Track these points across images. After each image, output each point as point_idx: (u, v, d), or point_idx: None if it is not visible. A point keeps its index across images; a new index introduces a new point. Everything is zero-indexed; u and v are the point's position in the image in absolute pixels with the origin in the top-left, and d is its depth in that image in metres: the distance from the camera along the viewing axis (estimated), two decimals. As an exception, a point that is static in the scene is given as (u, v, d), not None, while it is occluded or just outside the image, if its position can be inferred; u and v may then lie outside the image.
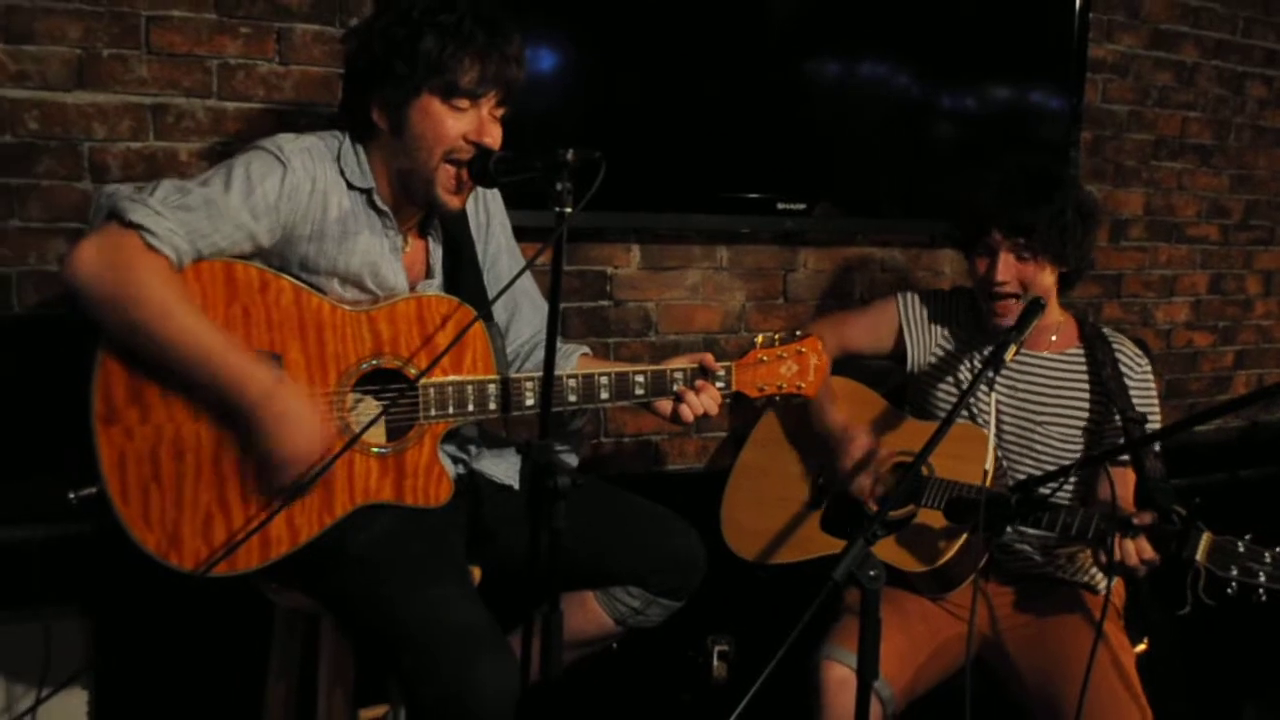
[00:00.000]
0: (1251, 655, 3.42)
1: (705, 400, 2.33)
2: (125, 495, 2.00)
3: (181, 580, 2.05)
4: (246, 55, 2.83)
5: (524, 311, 2.50)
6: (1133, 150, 4.29)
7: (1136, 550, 2.31)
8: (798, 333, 2.45)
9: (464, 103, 2.14)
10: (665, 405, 2.35)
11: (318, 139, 2.19)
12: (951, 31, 3.66)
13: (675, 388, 2.32)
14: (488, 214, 2.46)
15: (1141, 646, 2.87)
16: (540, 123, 2.90)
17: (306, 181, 2.12)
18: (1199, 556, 2.26)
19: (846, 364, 2.89)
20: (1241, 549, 2.23)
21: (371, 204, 2.21)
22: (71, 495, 2.00)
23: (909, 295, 2.87)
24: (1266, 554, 2.22)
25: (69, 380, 2.03)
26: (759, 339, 2.41)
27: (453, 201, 2.21)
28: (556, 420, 2.46)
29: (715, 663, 3.25)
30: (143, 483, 2.00)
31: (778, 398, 2.43)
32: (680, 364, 2.34)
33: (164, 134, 2.77)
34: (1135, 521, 2.33)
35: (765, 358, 2.40)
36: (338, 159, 2.19)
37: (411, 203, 2.25)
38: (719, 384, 2.36)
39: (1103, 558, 2.36)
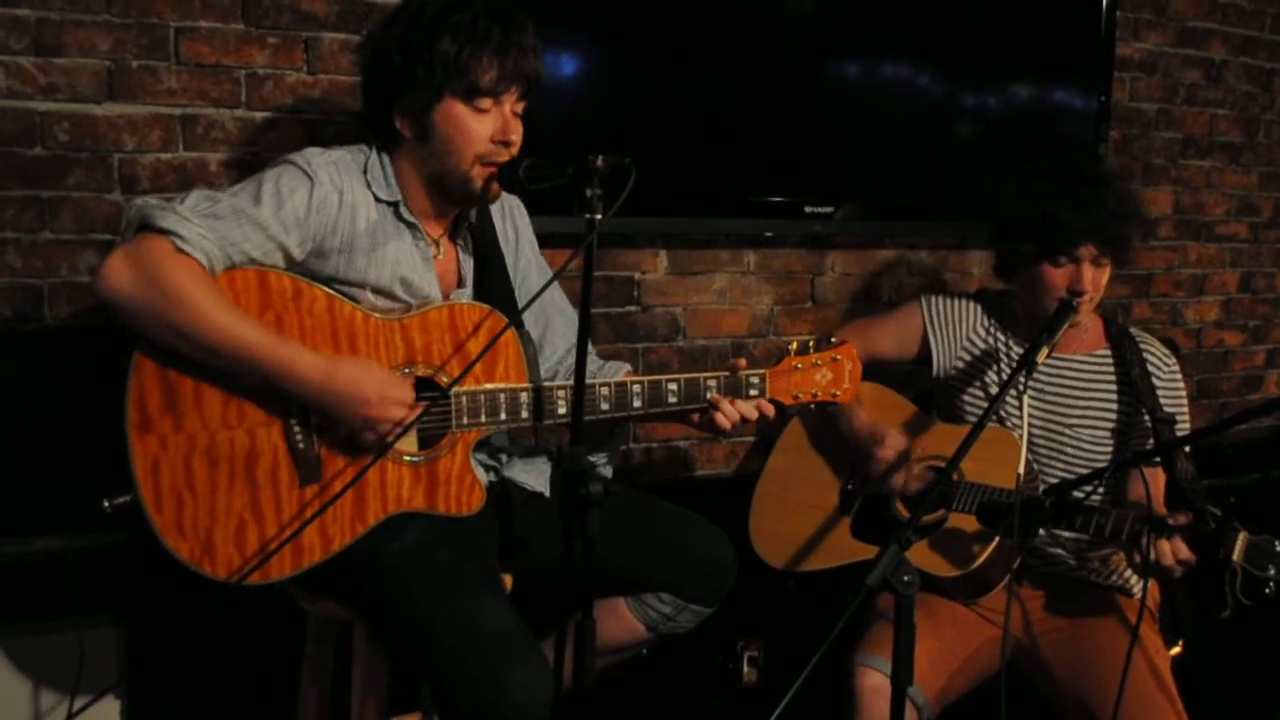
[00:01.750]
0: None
1: (743, 406, 2.32)
2: (159, 503, 2.01)
3: (214, 588, 2.06)
4: (274, 65, 2.84)
5: (556, 324, 2.49)
6: (1161, 148, 4.26)
7: (1173, 551, 2.29)
8: (832, 339, 2.43)
9: (486, 102, 2.14)
10: (698, 414, 2.34)
11: (345, 152, 2.20)
12: (977, 31, 3.65)
13: (709, 395, 2.31)
14: (516, 230, 2.47)
15: (1176, 649, 2.85)
16: (565, 128, 2.91)
17: (334, 194, 2.13)
18: (1235, 556, 2.24)
19: (873, 370, 2.87)
20: (1278, 548, 2.21)
21: (399, 216, 2.22)
22: (106, 503, 2.01)
23: (933, 299, 2.85)
24: None
25: (102, 390, 2.05)
26: (793, 346, 2.39)
27: (493, 191, 2.21)
28: (594, 433, 2.45)
29: (745, 668, 3.25)
30: (176, 490, 2.01)
31: (813, 405, 2.42)
32: (714, 374, 2.33)
33: (193, 144, 2.78)
34: (1171, 522, 2.31)
35: (800, 365, 2.38)
36: (364, 172, 2.20)
37: (448, 202, 2.25)
38: (753, 392, 2.35)
39: (1137, 558, 2.34)
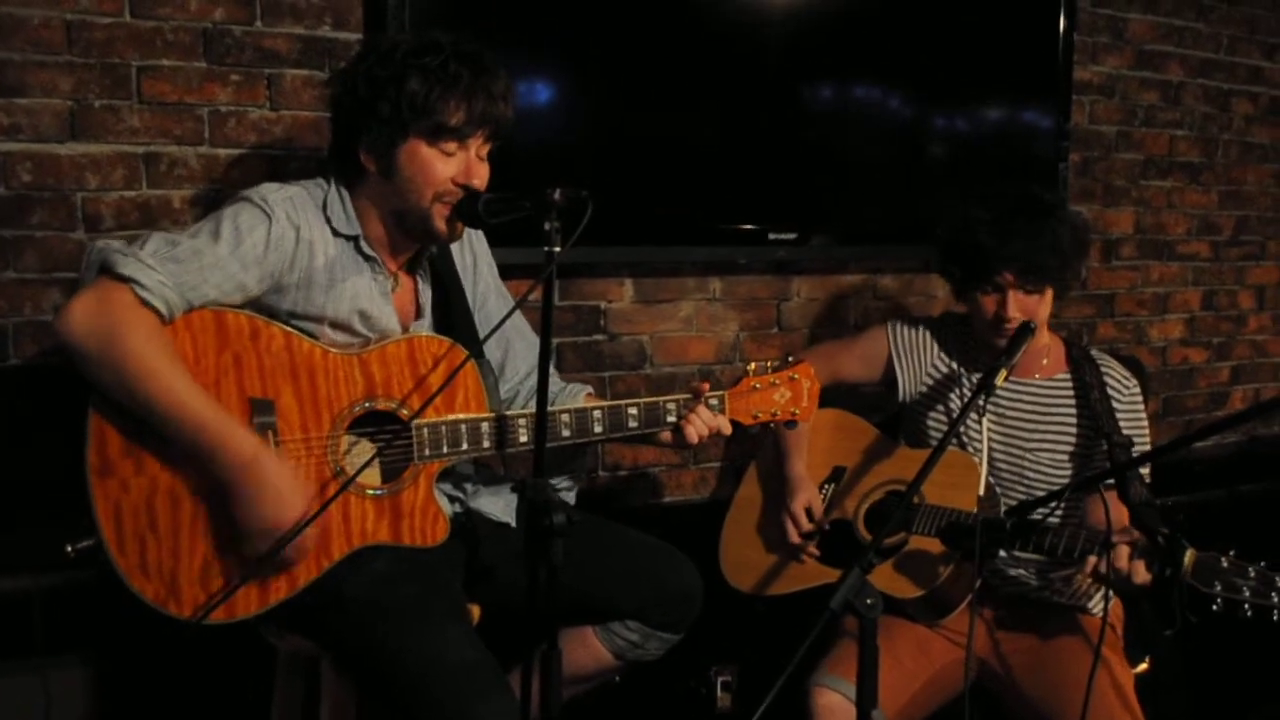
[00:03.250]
0: (1256, 671, 3.41)
1: (706, 414, 2.32)
2: (122, 546, 2.00)
3: (181, 628, 2.05)
4: (237, 102, 2.85)
5: (517, 349, 2.51)
6: (1121, 170, 4.31)
7: (1130, 568, 2.30)
8: (790, 359, 2.45)
9: (451, 145, 2.16)
10: (666, 434, 2.35)
11: (301, 188, 2.21)
12: (938, 59, 3.69)
13: (669, 418, 2.32)
14: (474, 255, 2.48)
15: (1143, 666, 2.86)
16: (532, 158, 2.93)
17: (291, 231, 2.13)
18: (1183, 573, 2.25)
19: (840, 393, 2.90)
20: (1225, 565, 2.22)
21: (359, 249, 2.23)
22: (69, 548, 2.01)
23: (898, 325, 2.87)
24: (1250, 570, 2.21)
25: (65, 431, 2.04)
26: (751, 366, 2.41)
27: (453, 230, 2.22)
28: (556, 457, 2.47)
29: (719, 693, 3.24)
30: (139, 533, 2.01)
31: (773, 424, 2.44)
32: (673, 398, 2.35)
33: (157, 182, 2.79)
34: (1115, 539, 2.33)
35: (758, 385, 2.40)
36: (323, 207, 2.20)
37: (408, 238, 2.26)
38: None
39: (1100, 572, 2.35)
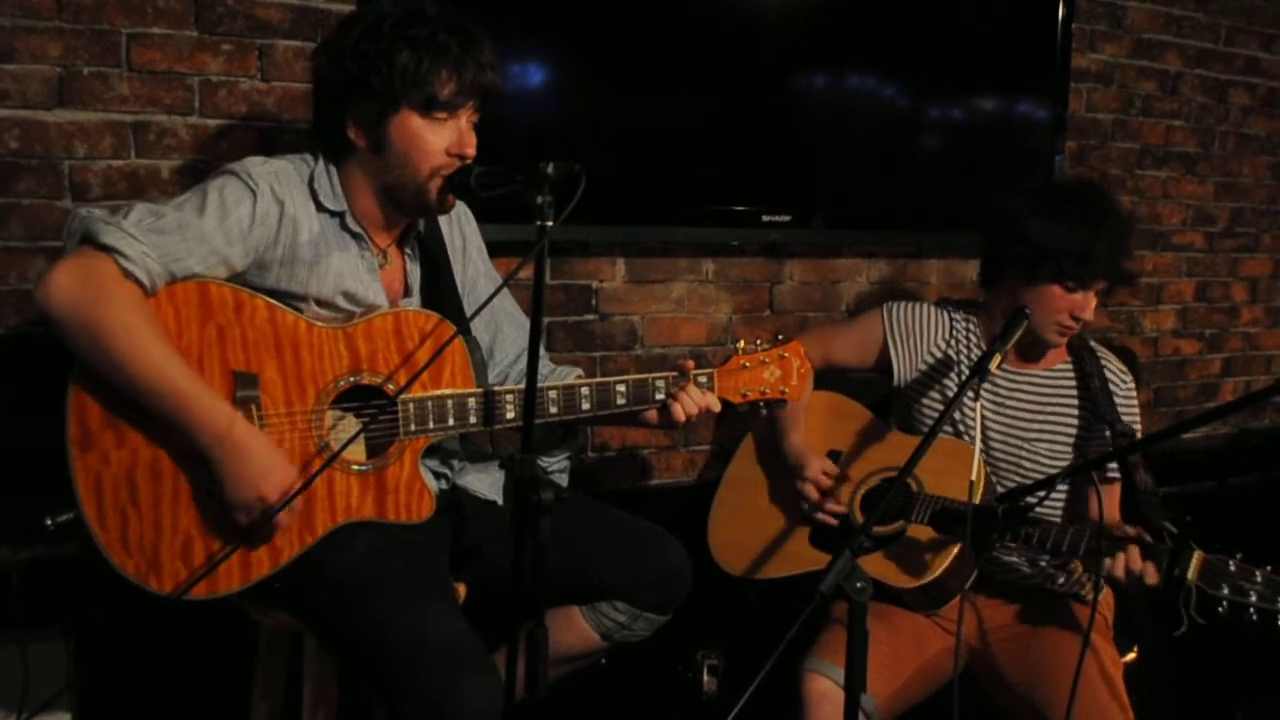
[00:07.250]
0: (1243, 664, 3.41)
1: (695, 393, 2.31)
2: (102, 520, 1.98)
3: (163, 602, 2.03)
4: (228, 72, 2.82)
5: (506, 331, 2.49)
6: (1117, 159, 4.29)
7: (1140, 570, 2.29)
8: (779, 337, 2.43)
9: (442, 115, 2.14)
10: (653, 413, 2.34)
11: (287, 163, 2.18)
12: (936, 44, 3.66)
13: (658, 396, 2.30)
14: (464, 238, 2.46)
15: (1131, 655, 2.85)
16: (526, 137, 2.90)
17: (275, 207, 2.11)
18: (1190, 575, 2.24)
19: (833, 377, 2.88)
20: (1233, 568, 2.21)
21: (344, 226, 2.20)
22: (48, 520, 1.99)
23: (894, 308, 2.85)
24: (1258, 573, 2.20)
25: (47, 402, 2.02)
26: (740, 344, 2.40)
27: (444, 201, 2.20)
28: (548, 437, 2.44)
29: (705, 677, 3.23)
30: (120, 507, 1.99)
31: (762, 403, 2.41)
32: (662, 375, 2.33)
33: (145, 151, 2.76)
34: (1118, 534, 2.31)
35: (747, 363, 2.38)
36: (310, 182, 2.18)
37: (399, 212, 2.24)
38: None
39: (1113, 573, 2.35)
